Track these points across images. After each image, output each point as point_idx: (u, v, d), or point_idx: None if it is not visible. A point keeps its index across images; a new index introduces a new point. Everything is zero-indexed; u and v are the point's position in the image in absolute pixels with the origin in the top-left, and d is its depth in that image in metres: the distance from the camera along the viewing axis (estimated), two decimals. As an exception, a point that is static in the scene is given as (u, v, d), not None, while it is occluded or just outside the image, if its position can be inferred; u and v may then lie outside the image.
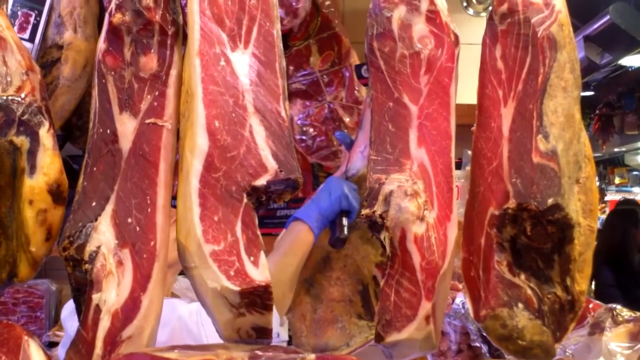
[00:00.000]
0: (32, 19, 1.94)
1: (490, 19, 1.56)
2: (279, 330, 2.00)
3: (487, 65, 1.53)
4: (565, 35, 1.48)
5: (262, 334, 1.38)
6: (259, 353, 1.28)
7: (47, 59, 1.96)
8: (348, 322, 2.05)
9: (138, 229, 1.41)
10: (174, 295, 2.45)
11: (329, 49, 3.29)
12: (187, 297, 2.39)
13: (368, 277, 2.07)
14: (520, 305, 1.41)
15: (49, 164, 1.40)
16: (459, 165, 2.87)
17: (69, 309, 2.41)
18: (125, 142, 1.45)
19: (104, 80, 1.48)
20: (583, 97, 1.50)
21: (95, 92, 1.49)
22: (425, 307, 1.39)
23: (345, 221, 2.02)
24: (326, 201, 2.04)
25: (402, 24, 1.50)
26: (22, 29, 1.93)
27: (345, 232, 2.00)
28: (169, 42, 1.50)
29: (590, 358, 1.73)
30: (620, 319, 1.73)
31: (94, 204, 1.42)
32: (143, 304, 1.38)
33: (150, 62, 1.49)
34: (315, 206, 2.05)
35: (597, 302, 1.97)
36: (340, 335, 2.04)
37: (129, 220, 1.41)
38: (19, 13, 1.93)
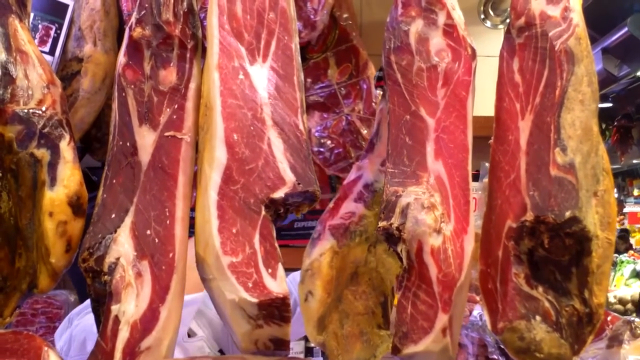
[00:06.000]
0: (52, 32, 1.96)
1: (507, 32, 1.56)
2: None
3: (505, 78, 1.53)
4: (582, 48, 1.47)
5: (280, 345, 1.38)
6: (277, 365, 1.29)
7: (67, 72, 1.97)
8: (371, 334, 2.05)
9: (157, 240, 1.42)
10: None
11: (347, 61, 3.29)
12: None
13: (389, 288, 2.07)
14: (538, 317, 1.40)
15: (69, 176, 1.41)
16: (476, 178, 2.86)
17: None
18: (145, 154, 1.46)
19: (123, 94, 1.50)
20: (601, 109, 1.50)
21: (115, 105, 1.50)
22: (442, 319, 1.39)
23: None
24: None
25: (420, 37, 1.51)
26: (42, 42, 1.95)
27: None
28: (188, 55, 1.52)
29: (608, 371, 1.72)
30: (639, 331, 1.72)
31: (113, 215, 1.43)
32: (162, 316, 1.39)
33: (169, 75, 1.50)
34: None
35: (615, 314, 1.96)
36: (367, 347, 2.04)
37: (148, 232, 1.42)
38: (40, 26, 1.96)
